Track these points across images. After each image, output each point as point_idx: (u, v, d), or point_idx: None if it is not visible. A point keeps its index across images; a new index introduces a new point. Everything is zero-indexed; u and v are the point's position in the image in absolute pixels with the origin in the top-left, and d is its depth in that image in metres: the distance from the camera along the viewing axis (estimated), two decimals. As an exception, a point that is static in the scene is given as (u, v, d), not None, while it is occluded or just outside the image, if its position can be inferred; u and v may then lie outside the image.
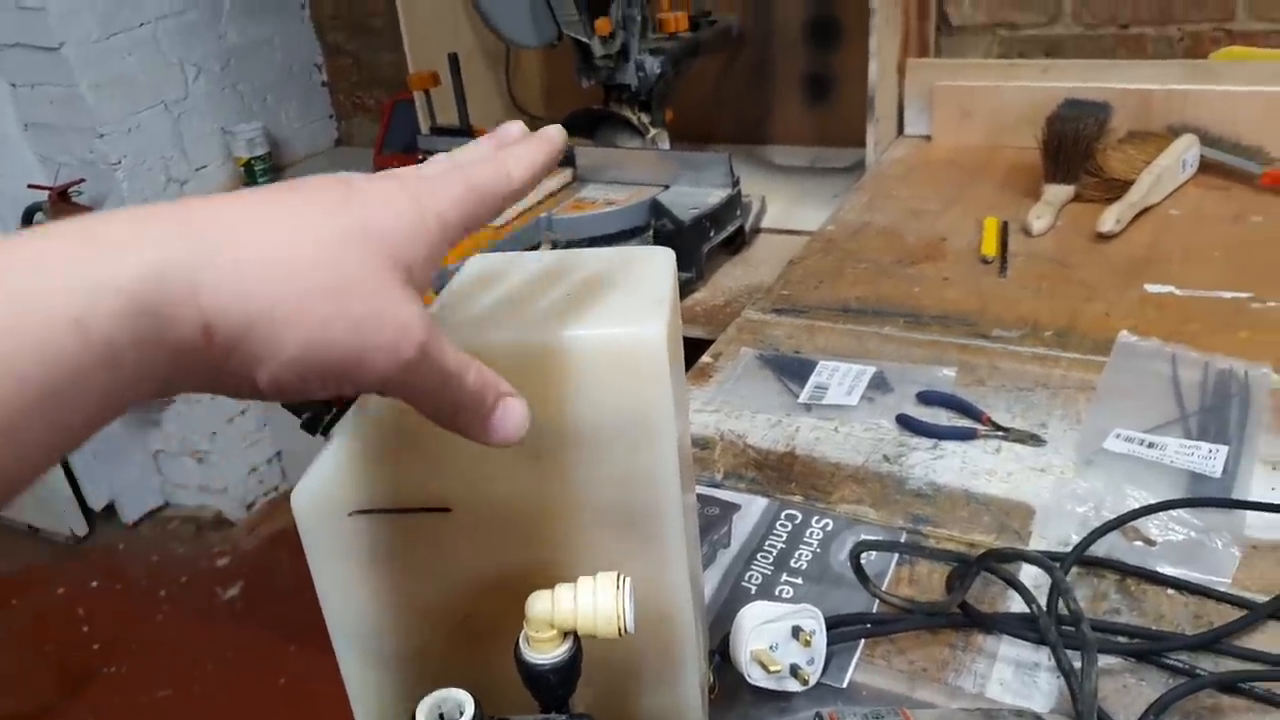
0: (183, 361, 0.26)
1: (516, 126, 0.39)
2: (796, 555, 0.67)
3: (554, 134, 0.38)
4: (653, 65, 1.43)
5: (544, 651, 0.38)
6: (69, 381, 0.23)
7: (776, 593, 0.64)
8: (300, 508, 0.42)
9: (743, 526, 0.70)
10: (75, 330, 0.23)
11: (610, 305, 0.41)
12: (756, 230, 1.39)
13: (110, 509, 2.30)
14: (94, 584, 2.15)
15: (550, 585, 0.38)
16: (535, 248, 1.33)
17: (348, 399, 0.40)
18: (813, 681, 0.56)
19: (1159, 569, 0.62)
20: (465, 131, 1.61)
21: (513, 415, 0.34)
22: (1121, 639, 0.57)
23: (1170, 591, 0.61)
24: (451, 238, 0.33)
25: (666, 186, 1.34)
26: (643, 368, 0.40)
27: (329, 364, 0.29)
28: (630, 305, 0.41)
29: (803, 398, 0.84)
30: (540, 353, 0.39)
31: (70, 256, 0.24)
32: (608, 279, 0.43)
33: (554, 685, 0.38)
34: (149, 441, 2.26)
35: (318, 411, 0.38)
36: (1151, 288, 0.96)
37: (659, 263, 0.46)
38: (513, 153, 0.36)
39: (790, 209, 1.43)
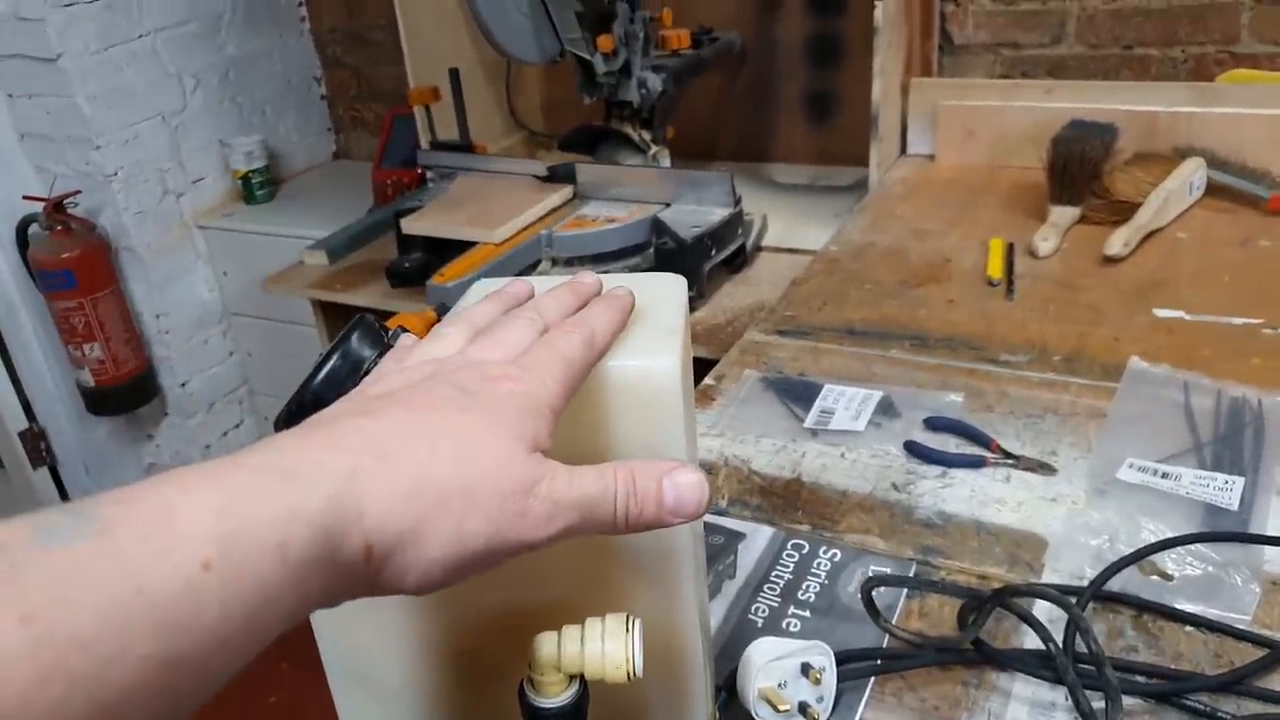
0: (347, 578, 0.29)
1: (591, 278, 0.41)
2: (804, 587, 0.65)
3: (626, 298, 0.40)
4: (655, 82, 1.42)
5: (549, 695, 0.37)
6: (270, 600, 0.26)
7: (784, 626, 0.62)
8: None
9: (748, 556, 0.69)
10: (278, 555, 0.26)
11: (624, 336, 0.40)
12: (758, 249, 1.38)
13: (101, 523, 2.28)
14: (83, 599, 2.12)
15: (556, 623, 0.37)
16: (535, 265, 1.32)
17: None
18: (822, 720, 0.54)
19: (1176, 605, 0.60)
20: (465, 147, 1.60)
21: (683, 491, 0.34)
22: (1140, 679, 0.55)
23: (1188, 629, 0.59)
24: (558, 415, 0.35)
25: (668, 204, 1.33)
26: (655, 400, 0.38)
27: (471, 555, 0.31)
28: (642, 336, 0.40)
29: (808, 422, 0.83)
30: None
31: (272, 488, 0.27)
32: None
33: (559, 731, 0.37)
34: (141, 455, 2.24)
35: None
36: (1161, 312, 0.95)
37: (670, 291, 0.44)
38: (594, 317, 0.38)
39: (792, 228, 1.42)
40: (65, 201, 1.85)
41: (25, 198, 1.87)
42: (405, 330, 0.43)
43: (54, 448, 2.12)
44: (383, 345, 0.41)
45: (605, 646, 0.36)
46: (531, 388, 0.34)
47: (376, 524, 0.29)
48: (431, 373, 0.34)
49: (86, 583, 0.23)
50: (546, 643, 0.36)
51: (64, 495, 2.19)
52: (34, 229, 1.86)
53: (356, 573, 0.29)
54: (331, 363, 0.39)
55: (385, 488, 0.29)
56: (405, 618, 0.43)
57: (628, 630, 0.36)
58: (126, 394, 2.00)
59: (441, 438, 0.31)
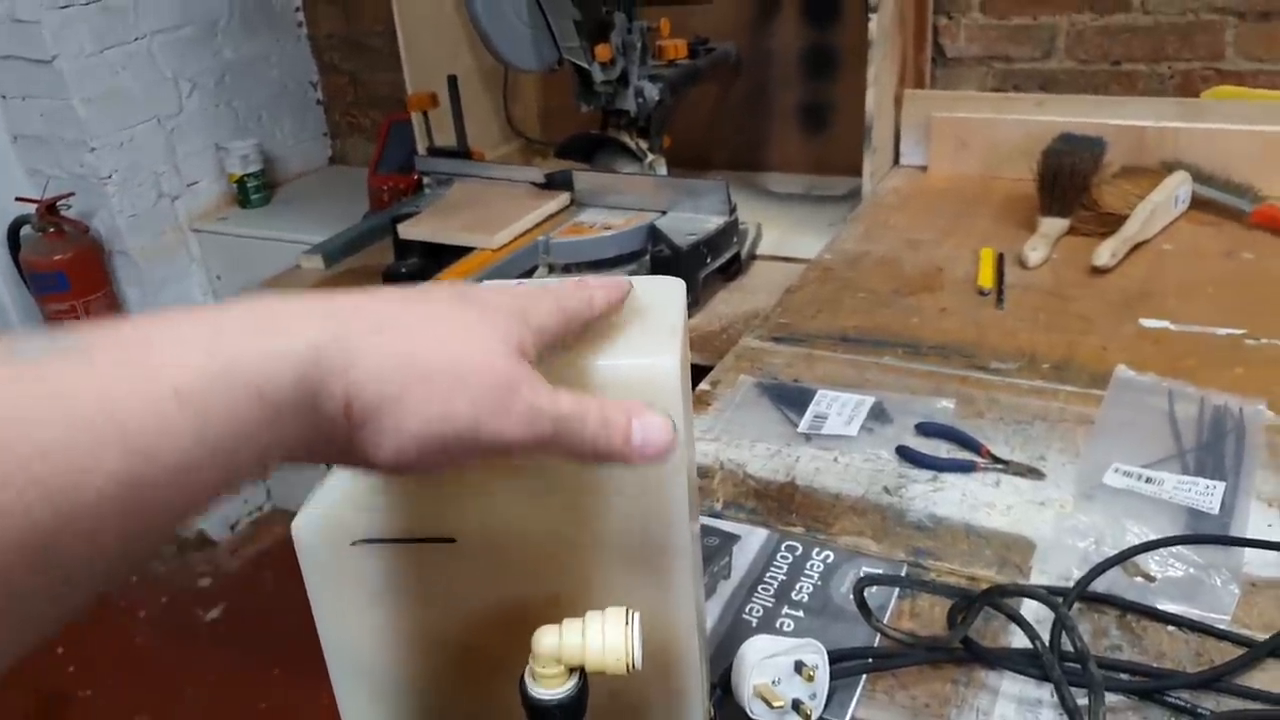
0: (324, 430, 0.29)
1: (594, 278, 0.44)
2: (798, 587, 0.67)
3: (624, 282, 0.42)
4: (651, 91, 1.43)
5: (550, 687, 0.37)
6: (244, 438, 0.26)
7: (777, 625, 0.64)
8: (302, 536, 0.41)
9: (743, 557, 0.70)
10: (254, 395, 0.27)
11: (623, 336, 0.41)
12: (753, 257, 1.39)
13: (91, 526, 2.27)
14: (72, 603, 2.11)
15: (556, 619, 0.38)
16: (532, 271, 1.33)
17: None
18: (815, 717, 0.55)
19: (1159, 605, 0.62)
20: (463, 153, 1.62)
21: (650, 432, 0.35)
22: (1124, 676, 0.57)
23: (1170, 628, 0.61)
24: (544, 344, 0.36)
25: (664, 212, 1.34)
26: (656, 399, 0.39)
27: (449, 436, 0.31)
28: (642, 336, 0.41)
29: (802, 427, 0.84)
30: (554, 382, 0.39)
31: (253, 331, 0.28)
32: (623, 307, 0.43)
33: (560, 721, 0.38)
34: (133, 458, 2.23)
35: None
36: (1147, 322, 0.96)
37: (669, 293, 0.45)
38: (594, 287, 0.40)
39: (786, 236, 1.44)
40: (58, 204, 1.86)
41: (18, 199, 1.87)
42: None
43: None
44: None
45: (605, 638, 0.37)
46: (524, 304, 0.35)
47: (360, 381, 0.29)
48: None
49: (58, 395, 0.23)
50: (548, 635, 0.37)
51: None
52: (26, 230, 1.86)
53: (333, 428, 0.29)
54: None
55: (375, 351, 0.30)
56: (406, 615, 0.44)
57: (627, 623, 0.37)
58: (118, 397, 2.00)
59: (436, 322, 0.32)
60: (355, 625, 0.44)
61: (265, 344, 0.28)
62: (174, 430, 0.25)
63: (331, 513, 0.41)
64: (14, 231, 1.88)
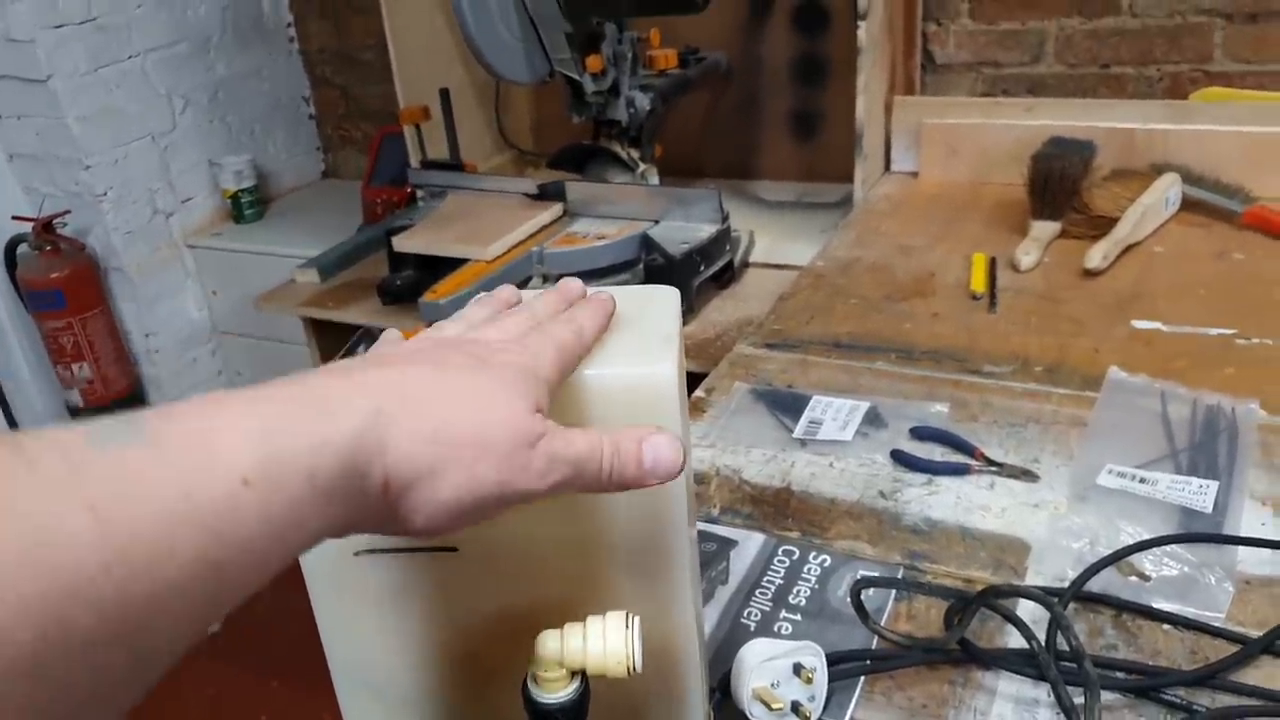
0: (367, 508, 0.31)
1: (575, 284, 0.45)
2: (795, 591, 0.67)
3: (608, 300, 0.43)
4: (643, 101, 1.44)
5: (552, 691, 0.38)
6: (299, 518, 0.28)
7: (775, 629, 0.64)
8: (306, 547, 0.42)
9: (740, 563, 0.70)
10: (308, 480, 0.28)
11: (619, 344, 0.42)
12: (745, 265, 1.40)
13: (89, 542, 2.27)
14: (72, 619, 2.11)
15: (557, 625, 0.38)
16: (526, 281, 1.34)
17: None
18: (814, 718, 0.56)
19: (1154, 604, 0.62)
20: (455, 166, 1.62)
21: (660, 451, 0.37)
22: (1120, 675, 0.57)
23: (1166, 627, 0.61)
24: (553, 392, 0.38)
25: (656, 221, 1.35)
26: (654, 406, 0.40)
27: (479, 498, 0.33)
28: (639, 344, 0.42)
29: (797, 433, 0.85)
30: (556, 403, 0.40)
31: (300, 418, 0.29)
32: (615, 317, 0.44)
33: (563, 725, 0.38)
34: (130, 474, 2.23)
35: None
36: (1139, 324, 0.97)
37: (665, 301, 0.46)
38: (580, 314, 0.42)
39: (778, 244, 1.45)
40: (54, 221, 1.86)
41: (14, 218, 1.88)
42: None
43: (43, 467, 2.11)
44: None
45: (606, 642, 0.37)
46: (530, 361, 0.37)
47: (396, 462, 0.31)
48: (438, 342, 0.38)
49: (141, 481, 0.25)
50: (550, 640, 0.38)
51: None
52: (23, 249, 1.86)
53: (375, 504, 0.31)
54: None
55: (407, 430, 0.32)
56: (410, 623, 0.44)
57: (627, 627, 0.38)
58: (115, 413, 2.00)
59: (459, 390, 0.34)
60: (359, 635, 0.44)
61: (313, 433, 0.29)
62: (241, 514, 0.26)
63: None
64: (10, 250, 1.88)
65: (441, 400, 0.33)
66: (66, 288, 1.86)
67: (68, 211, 1.89)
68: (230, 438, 0.27)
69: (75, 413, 1.97)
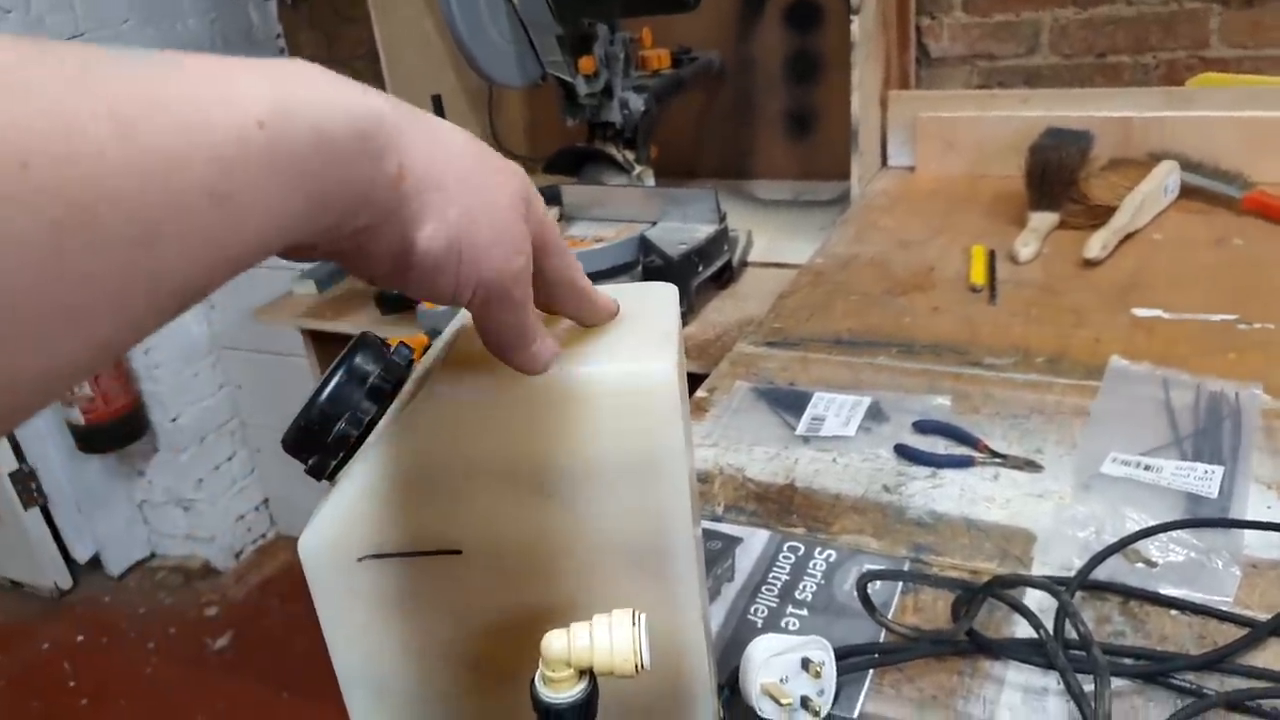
0: (373, 192, 0.31)
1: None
2: (801, 587, 0.67)
3: (614, 308, 0.44)
4: (636, 102, 1.44)
5: (561, 691, 0.38)
6: (306, 174, 0.28)
7: (782, 625, 0.64)
8: (308, 554, 0.41)
9: (746, 560, 0.70)
10: (317, 134, 0.28)
11: (618, 342, 0.42)
12: (744, 264, 1.40)
13: (95, 561, 2.27)
14: (80, 638, 2.11)
15: (563, 625, 0.38)
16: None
17: (353, 444, 0.40)
18: (824, 713, 0.55)
19: (1161, 590, 0.62)
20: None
21: (550, 349, 0.39)
22: (1128, 661, 0.57)
23: (1173, 613, 0.61)
24: (531, 235, 0.37)
25: (654, 222, 1.35)
26: (654, 405, 0.40)
27: (468, 246, 0.34)
28: (639, 342, 0.41)
29: (800, 430, 0.85)
30: (550, 391, 0.40)
31: (320, 85, 0.29)
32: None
33: (571, 725, 0.38)
34: (134, 492, 2.23)
35: (324, 457, 0.38)
36: (1140, 312, 0.97)
37: (663, 299, 0.46)
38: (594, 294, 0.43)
39: (776, 242, 1.45)
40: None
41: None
42: (407, 347, 0.44)
43: (45, 487, 2.11)
44: (386, 361, 0.42)
45: (613, 640, 0.37)
46: (534, 197, 0.38)
47: (414, 158, 0.32)
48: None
49: (160, 96, 0.25)
50: (556, 639, 0.37)
51: (56, 535, 2.18)
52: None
53: (385, 191, 0.32)
54: (337, 379, 0.40)
55: (426, 141, 0.33)
56: (415, 627, 0.44)
57: (634, 624, 0.37)
58: (117, 430, 2.00)
59: (467, 142, 0.35)
60: (364, 641, 0.44)
61: (329, 95, 0.29)
62: (252, 151, 0.26)
63: (336, 530, 0.41)
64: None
65: (459, 138, 0.35)
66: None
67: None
68: (249, 79, 0.27)
69: (76, 431, 1.97)
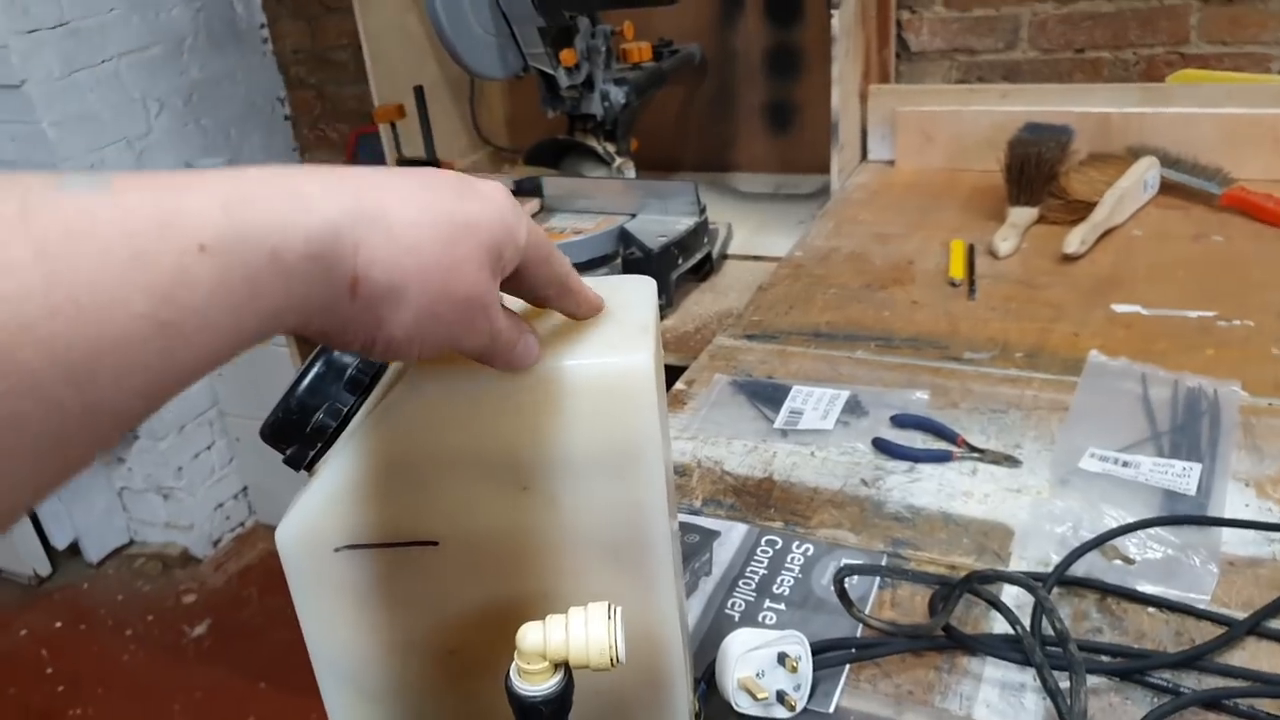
0: (329, 305, 0.31)
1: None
2: (778, 581, 0.67)
3: (600, 306, 0.43)
4: (617, 95, 1.44)
5: (536, 683, 0.37)
6: (256, 296, 0.28)
7: (760, 619, 0.64)
8: (285, 544, 0.41)
9: (723, 553, 0.70)
10: (271, 256, 0.28)
11: (595, 335, 0.41)
12: (723, 257, 1.40)
13: (74, 548, 2.26)
14: (58, 624, 2.10)
15: (539, 617, 0.38)
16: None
17: (331, 436, 0.40)
18: (800, 707, 0.55)
19: (1139, 587, 0.62)
20: (432, 164, 1.61)
21: (529, 350, 0.39)
22: (1105, 658, 0.57)
23: (1151, 610, 0.61)
24: (521, 255, 0.37)
25: (634, 215, 1.34)
26: (630, 397, 0.40)
27: (430, 334, 0.34)
28: (615, 335, 0.41)
29: (778, 423, 0.84)
30: (528, 383, 0.39)
31: (275, 201, 0.29)
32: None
33: (546, 717, 0.38)
34: (113, 478, 2.21)
35: (302, 447, 0.38)
36: (1118, 307, 0.97)
37: (641, 291, 0.45)
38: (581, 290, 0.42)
39: (756, 235, 1.44)
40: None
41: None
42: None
43: (21, 476, 2.09)
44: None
45: (589, 633, 0.37)
46: (516, 208, 0.37)
47: (368, 264, 0.31)
48: (429, 170, 0.37)
49: (93, 229, 0.24)
50: (532, 632, 0.37)
51: (35, 521, 2.16)
52: None
53: (340, 303, 0.31)
54: (315, 370, 0.40)
55: (384, 240, 0.32)
56: (392, 618, 0.44)
57: (609, 617, 0.37)
58: (94, 419, 1.98)
59: (437, 220, 0.33)
60: (341, 631, 0.44)
61: (286, 215, 0.29)
62: (193, 279, 0.26)
63: (314, 520, 0.41)
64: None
65: (418, 220, 0.33)
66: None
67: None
68: (196, 202, 0.27)
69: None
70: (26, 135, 1.82)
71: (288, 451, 0.40)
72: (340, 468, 0.40)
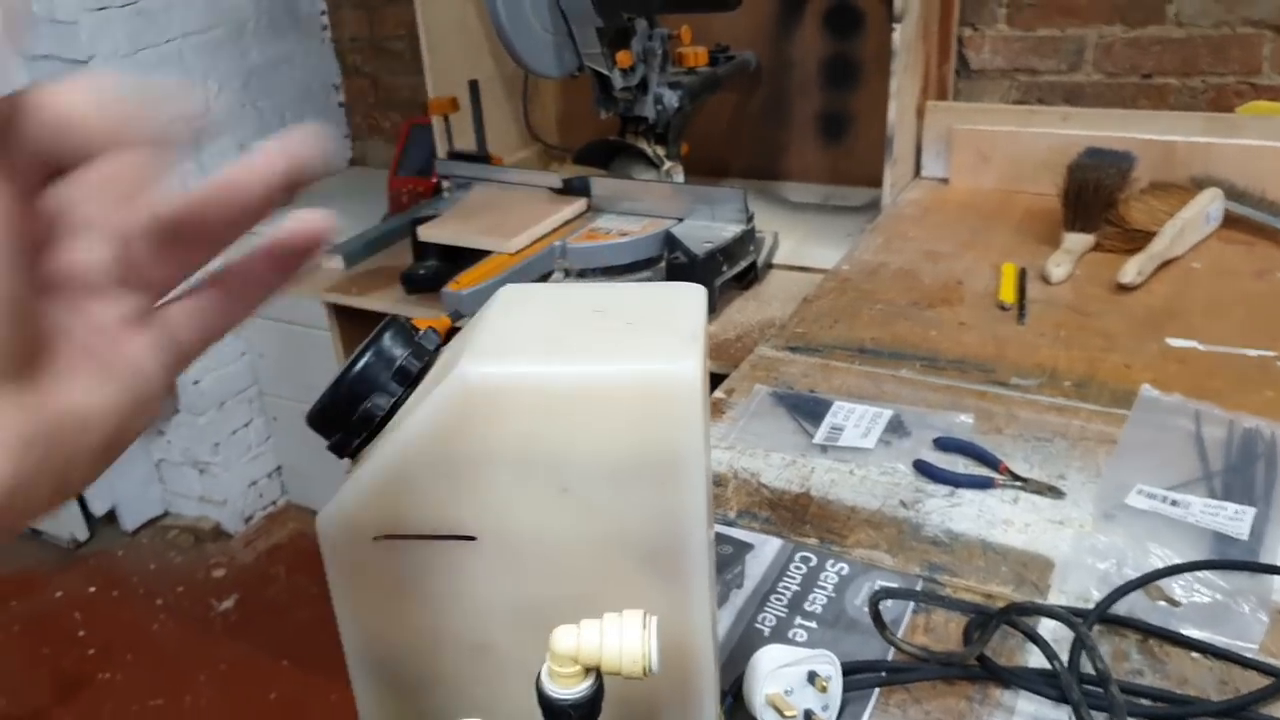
0: None
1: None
2: (811, 599, 0.66)
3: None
4: (671, 98, 1.43)
5: (566, 687, 0.37)
6: None
7: (790, 636, 0.63)
8: (325, 530, 0.41)
9: (756, 567, 0.69)
10: None
11: (644, 341, 0.41)
12: (769, 266, 1.39)
13: (111, 515, 2.30)
14: (92, 589, 2.14)
15: (572, 619, 0.37)
16: (548, 275, 1.33)
17: (377, 425, 0.40)
18: (827, 730, 0.54)
19: (1183, 631, 0.60)
20: (482, 158, 1.62)
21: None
22: (1145, 701, 0.56)
23: (1194, 655, 0.59)
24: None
25: (680, 219, 1.34)
26: (676, 405, 0.39)
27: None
28: (664, 341, 0.41)
29: (818, 438, 0.83)
30: (573, 386, 0.39)
31: None
32: (641, 314, 0.43)
33: (574, 722, 0.37)
34: (151, 450, 2.25)
35: (347, 435, 0.38)
36: (1173, 341, 0.95)
37: (691, 299, 0.45)
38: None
39: (803, 246, 1.43)
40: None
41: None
42: (435, 332, 0.44)
43: (64, 443, 2.13)
44: (414, 345, 0.41)
45: (623, 641, 0.36)
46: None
47: None
48: None
49: None
50: (565, 635, 0.37)
51: (71, 490, 2.20)
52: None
53: None
54: (365, 359, 0.40)
55: None
56: (425, 610, 0.43)
57: (644, 626, 0.37)
58: (138, 390, 2.01)
59: None
60: (374, 619, 0.44)
61: None
62: None
63: (355, 508, 0.41)
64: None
65: None
66: (95, 267, 1.87)
67: (100, 191, 1.90)
68: None
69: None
70: (89, 110, 1.85)
71: (333, 438, 0.40)
72: (384, 458, 0.40)
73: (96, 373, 0.25)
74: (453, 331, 0.45)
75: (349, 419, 0.39)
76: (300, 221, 0.28)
